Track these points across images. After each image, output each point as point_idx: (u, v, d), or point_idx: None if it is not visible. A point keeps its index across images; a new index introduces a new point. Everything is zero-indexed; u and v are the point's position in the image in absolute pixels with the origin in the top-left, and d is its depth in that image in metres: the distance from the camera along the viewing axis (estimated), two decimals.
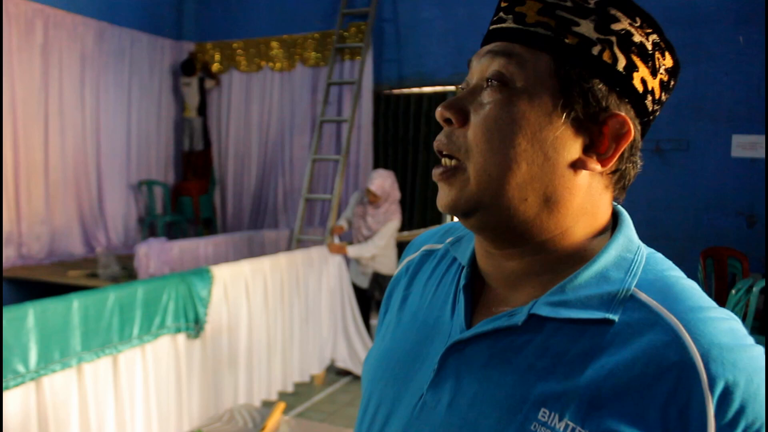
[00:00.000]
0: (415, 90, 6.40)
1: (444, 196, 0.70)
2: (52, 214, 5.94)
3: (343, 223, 4.84)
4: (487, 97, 0.67)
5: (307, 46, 6.80)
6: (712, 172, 5.17)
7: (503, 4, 0.70)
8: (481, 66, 0.69)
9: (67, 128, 6.06)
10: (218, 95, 7.37)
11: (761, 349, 0.61)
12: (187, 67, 7.14)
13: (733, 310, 3.56)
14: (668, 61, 0.68)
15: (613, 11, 0.65)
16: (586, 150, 0.67)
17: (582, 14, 0.65)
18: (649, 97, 0.67)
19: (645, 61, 0.66)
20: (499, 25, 0.69)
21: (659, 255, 0.71)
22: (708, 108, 5.16)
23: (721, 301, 4.29)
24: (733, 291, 3.64)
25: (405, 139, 6.52)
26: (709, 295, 4.39)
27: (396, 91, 6.50)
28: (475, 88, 0.69)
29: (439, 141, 0.70)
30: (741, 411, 0.57)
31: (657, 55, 0.67)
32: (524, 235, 0.68)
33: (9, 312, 2.42)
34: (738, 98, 5.04)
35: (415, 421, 0.70)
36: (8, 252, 5.53)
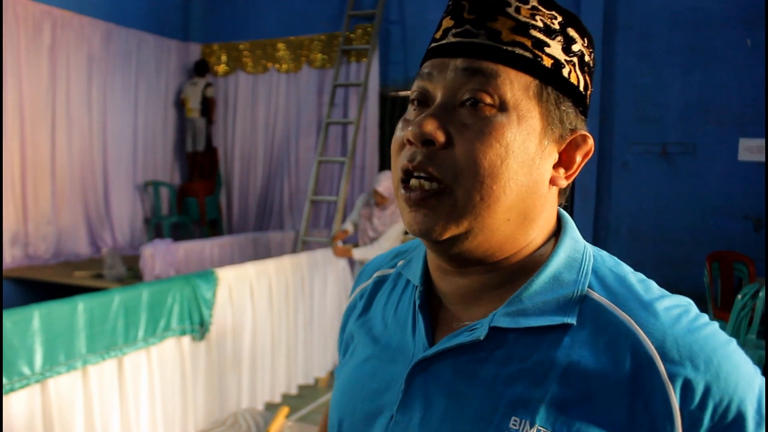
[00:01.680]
0: None
1: (425, 222, 0.65)
2: (59, 214, 5.97)
3: (348, 226, 4.83)
4: (469, 117, 0.64)
5: (314, 48, 6.81)
6: (718, 175, 5.15)
7: (468, 16, 0.66)
8: (452, 82, 0.66)
9: (74, 129, 6.09)
10: (224, 97, 7.39)
11: (715, 326, 0.62)
12: (201, 68, 7.16)
13: (738, 315, 3.54)
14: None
15: (572, 32, 0.67)
16: (555, 166, 0.69)
17: (550, 35, 0.65)
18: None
19: (591, 79, 0.70)
20: (468, 39, 0.66)
21: (604, 252, 0.72)
22: (715, 111, 5.15)
23: (727, 306, 4.26)
24: (739, 296, 3.61)
25: None
26: (715, 299, 4.30)
27: (402, 93, 6.49)
28: (447, 105, 0.66)
29: (419, 162, 0.65)
30: (706, 393, 0.58)
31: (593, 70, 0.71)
32: (495, 254, 0.68)
33: (14, 314, 2.43)
34: (745, 101, 5.02)
35: None
36: (15, 252, 5.56)
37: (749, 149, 5.03)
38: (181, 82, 7.33)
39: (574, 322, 0.63)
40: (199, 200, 7.16)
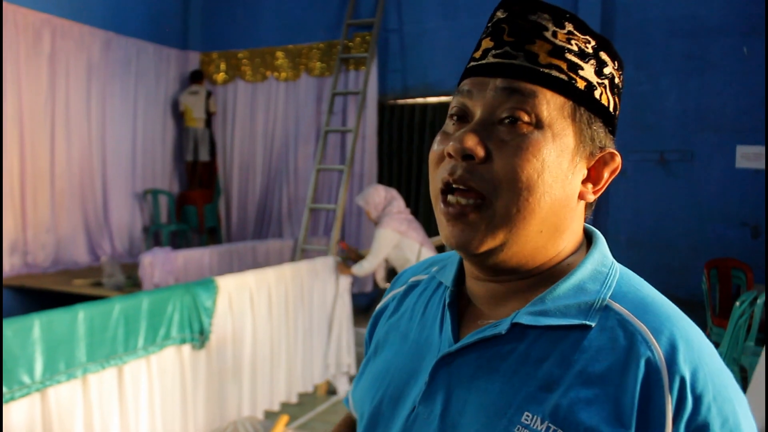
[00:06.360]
0: (420, 100, 6.42)
1: (463, 236, 0.70)
2: (58, 222, 5.97)
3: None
4: (507, 134, 0.68)
5: (312, 56, 6.83)
6: (716, 183, 5.16)
7: (507, 39, 0.70)
8: (491, 100, 0.70)
9: (73, 137, 6.10)
10: (223, 105, 7.40)
11: (716, 353, 0.67)
12: (196, 75, 7.17)
13: (737, 322, 3.55)
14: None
15: (604, 56, 0.72)
16: (584, 181, 0.73)
17: (584, 58, 0.70)
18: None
19: (620, 100, 0.75)
20: (508, 60, 0.70)
21: (632, 273, 0.75)
22: (712, 119, 5.17)
23: (726, 313, 4.27)
24: (738, 303, 3.62)
25: (410, 149, 6.53)
26: (713, 307, 4.30)
27: (401, 102, 6.51)
28: (486, 122, 0.70)
29: (459, 175, 0.69)
30: (696, 406, 0.61)
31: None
32: (528, 263, 0.72)
33: (15, 323, 2.43)
34: (742, 109, 5.04)
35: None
36: (14, 260, 5.56)
37: (746, 156, 5.05)
38: (180, 90, 7.34)
39: (593, 325, 0.66)
40: (198, 208, 7.16)
